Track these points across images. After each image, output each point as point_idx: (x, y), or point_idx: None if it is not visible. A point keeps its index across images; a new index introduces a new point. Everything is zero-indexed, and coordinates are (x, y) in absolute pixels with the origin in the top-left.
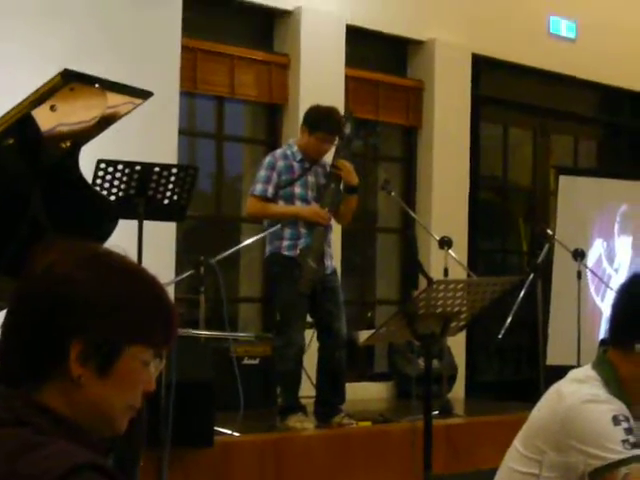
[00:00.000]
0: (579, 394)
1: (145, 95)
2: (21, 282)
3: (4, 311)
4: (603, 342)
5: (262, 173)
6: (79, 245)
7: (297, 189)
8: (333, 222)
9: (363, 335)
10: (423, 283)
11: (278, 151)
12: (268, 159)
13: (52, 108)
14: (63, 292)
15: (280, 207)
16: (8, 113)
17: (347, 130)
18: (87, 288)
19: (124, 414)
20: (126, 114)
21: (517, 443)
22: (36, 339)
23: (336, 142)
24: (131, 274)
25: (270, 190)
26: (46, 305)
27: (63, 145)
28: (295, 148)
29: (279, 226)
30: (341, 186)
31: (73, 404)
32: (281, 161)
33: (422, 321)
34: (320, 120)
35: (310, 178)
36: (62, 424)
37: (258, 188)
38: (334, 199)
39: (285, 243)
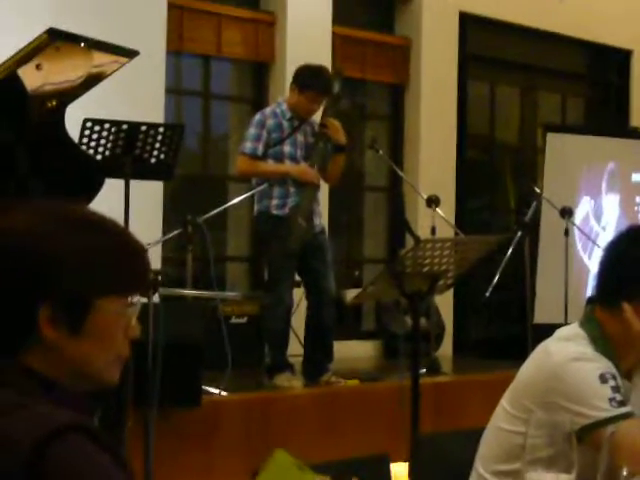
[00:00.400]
0: (566, 352)
1: (131, 54)
2: None
3: None
4: (590, 300)
5: (252, 131)
6: (38, 202)
7: (286, 147)
8: (321, 181)
9: (351, 294)
10: (410, 242)
11: (267, 109)
12: (258, 117)
13: (38, 67)
14: (24, 249)
15: (270, 165)
16: None
17: (335, 88)
18: (47, 243)
19: (111, 365)
20: (112, 73)
21: (504, 402)
22: (4, 306)
23: (325, 100)
24: (94, 226)
25: (260, 148)
26: (9, 267)
27: (49, 104)
28: (284, 106)
29: (267, 185)
30: (329, 145)
31: (55, 365)
32: (271, 119)
33: (409, 279)
34: (310, 79)
35: (299, 137)
36: (46, 385)
37: (248, 146)
38: (323, 158)
39: (274, 202)
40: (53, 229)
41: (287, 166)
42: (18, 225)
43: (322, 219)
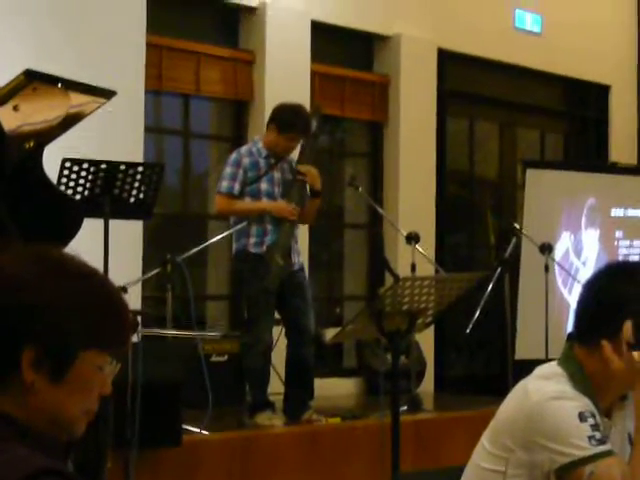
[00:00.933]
0: (545, 391)
1: (109, 94)
2: None
3: None
4: (569, 337)
5: (228, 170)
6: (30, 248)
7: (263, 185)
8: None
9: (330, 333)
10: (390, 280)
11: (243, 148)
12: (234, 156)
13: (15, 108)
14: (12, 296)
15: (247, 204)
16: None
17: (314, 126)
18: (37, 292)
19: (80, 419)
20: (91, 113)
21: (484, 440)
22: None
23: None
24: (83, 277)
25: (237, 187)
26: None
27: (26, 145)
28: (260, 145)
29: (245, 223)
30: (305, 189)
31: (29, 409)
32: (247, 158)
33: (389, 318)
34: (290, 120)
35: (276, 174)
36: (20, 430)
37: (224, 185)
38: (300, 196)
39: (252, 240)
40: (40, 278)
41: (264, 203)
42: (4, 271)
43: (301, 256)
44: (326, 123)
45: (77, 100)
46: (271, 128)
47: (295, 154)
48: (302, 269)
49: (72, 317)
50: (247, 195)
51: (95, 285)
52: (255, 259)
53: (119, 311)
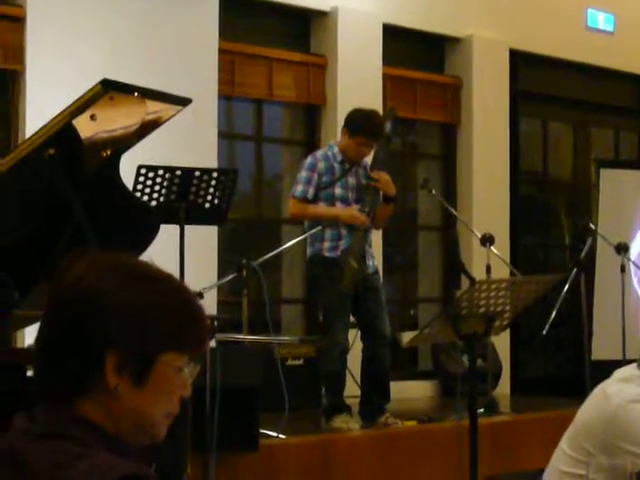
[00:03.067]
0: (624, 394)
1: (184, 102)
2: (51, 294)
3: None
4: None
5: (303, 174)
6: (106, 255)
7: (337, 190)
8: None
9: (406, 336)
10: (466, 283)
11: (319, 152)
12: (309, 160)
13: (92, 117)
14: (93, 304)
15: (321, 208)
16: (49, 123)
17: (387, 128)
18: (116, 298)
19: (162, 421)
20: (166, 121)
21: (564, 444)
22: (70, 352)
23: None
24: (158, 282)
25: (311, 191)
26: (78, 318)
27: (104, 153)
28: (336, 149)
29: (320, 227)
30: (378, 195)
31: (112, 415)
32: (322, 162)
33: (465, 321)
34: (361, 124)
35: (350, 179)
36: (103, 435)
37: (299, 189)
38: (373, 202)
39: (326, 244)
40: (117, 285)
41: (337, 209)
42: (86, 279)
43: (375, 260)
44: (399, 126)
45: (153, 108)
46: (344, 132)
47: (370, 158)
48: (376, 272)
49: (151, 321)
50: (321, 199)
51: (171, 289)
52: (330, 263)
53: (196, 313)
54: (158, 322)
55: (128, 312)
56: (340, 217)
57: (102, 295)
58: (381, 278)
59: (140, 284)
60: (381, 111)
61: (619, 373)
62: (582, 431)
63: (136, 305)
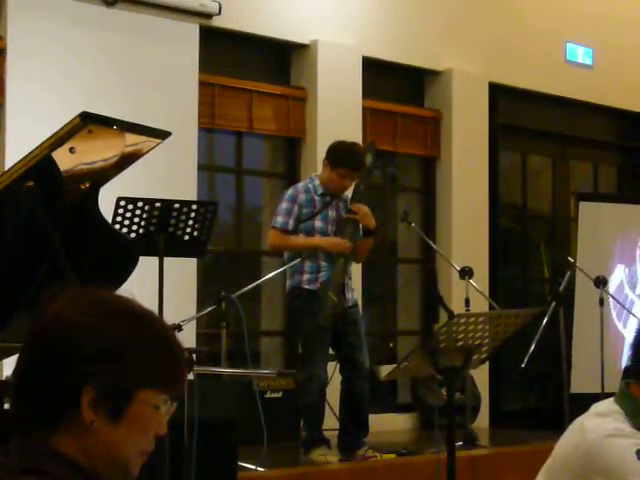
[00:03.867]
0: (602, 428)
1: (164, 135)
2: (31, 329)
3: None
4: (626, 373)
5: (284, 205)
6: (87, 291)
7: (317, 223)
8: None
9: (385, 369)
10: (444, 316)
11: (300, 184)
12: (290, 192)
13: (71, 150)
14: (71, 339)
15: (301, 239)
16: (28, 155)
17: (369, 160)
18: (95, 335)
19: (136, 459)
20: (145, 154)
21: (541, 477)
22: (47, 386)
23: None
24: (137, 319)
25: (291, 223)
26: (55, 353)
27: (82, 186)
28: (317, 182)
29: (299, 260)
30: (358, 229)
31: (87, 450)
32: (302, 194)
33: (443, 355)
34: (342, 156)
35: (331, 212)
36: (78, 471)
37: (279, 220)
38: (352, 234)
39: (306, 276)
40: (97, 320)
41: (317, 239)
42: (66, 313)
43: (355, 292)
44: (379, 159)
45: (132, 140)
46: (325, 164)
47: (350, 192)
48: (356, 305)
49: (129, 357)
50: (301, 232)
51: (150, 326)
52: (309, 295)
53: (174, 351)
54: (136, 359)
55: (106, 348)
56: (321, 245)
57: (81, 330)
58: (360, 310)
59: (120, 320)
60: (361, 144)
61: (597, 407)
62: (560, 464)
63: (115, 341)
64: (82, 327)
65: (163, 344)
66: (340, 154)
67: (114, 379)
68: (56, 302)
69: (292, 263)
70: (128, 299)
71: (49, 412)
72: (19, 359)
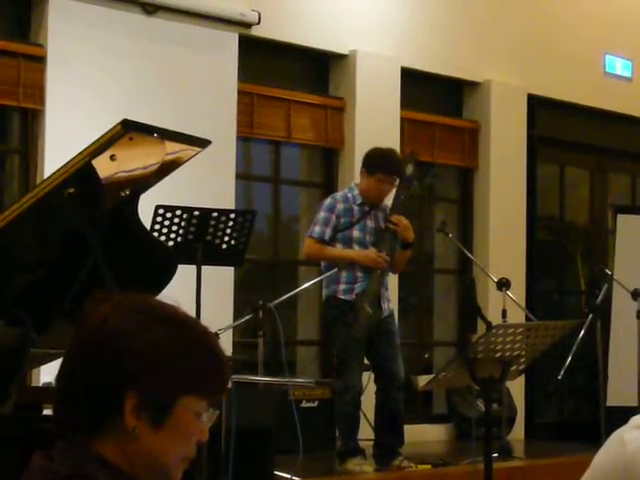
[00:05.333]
0: None
1: (203, 143)
2: (76, 334)
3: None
4: None
5: (321, 215)
6: (132, 297)
7: (355, 233)
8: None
9: (422, 380)
10: (482, 327)
11: (339, 193)
12: (328, 201)
13: (112, 157)
14: (116, 345)
15: (336, 250)
16: (69, 162)
17: (409, 170)
18: (140, 341)
19: (178, 465)
20: (185, 162)
21: None
22: (91, 392)
23: (396, 183)
24: (182, 325)
25: (328, 232)
26: (100, 358)
27: (122, 193)
28: (356, 191)
29: (336, 270)
30: (397, 240)
31: (129, 456)
32: (341, 204)
33: (481, 365)
34: (379, 161)
35: (369, 222)
36: (120, 476)
37: (316, 230)
38: (390, 246)
39: (342, 287)
40: (142, 326)
41: (352, 252)
42: (111, 320)
43: (391, 303)
44: (418, 169)
45: (172, 148)
46: (362, 172)
47: (389, 201)
48: (391, 315)
49: (172, 364)
50: (338, 241)
51: (194, 333)
52: (344, 306)
53: (218, 358)
54: (180, 366)
55: (150, 354)
56: (355, 259)
57: (125, 336)
58: (396, 321)
59: (165, 327)
60: (400, 154)
61: (636, 420)
62: (599, 476)
63: (159, 348)
64: (127, 333)
65: (207, 351)
66: (376, 160)
67: (157, 386)
68: (101, 308)
69: (329, 273)
70: (173, 306)
71: (92, 417)
72: (62, 364)
